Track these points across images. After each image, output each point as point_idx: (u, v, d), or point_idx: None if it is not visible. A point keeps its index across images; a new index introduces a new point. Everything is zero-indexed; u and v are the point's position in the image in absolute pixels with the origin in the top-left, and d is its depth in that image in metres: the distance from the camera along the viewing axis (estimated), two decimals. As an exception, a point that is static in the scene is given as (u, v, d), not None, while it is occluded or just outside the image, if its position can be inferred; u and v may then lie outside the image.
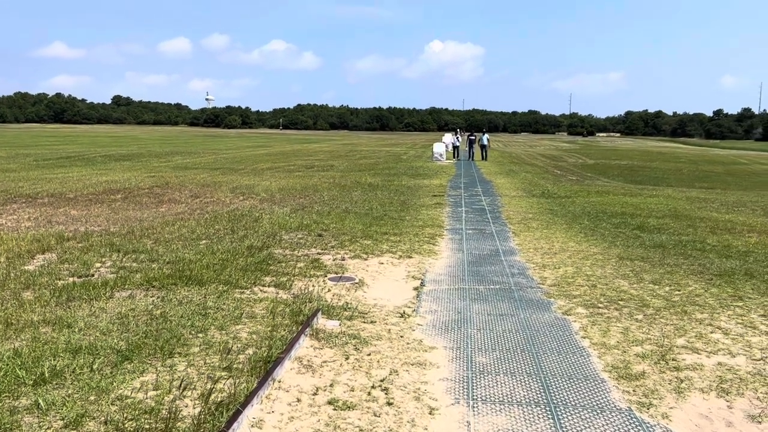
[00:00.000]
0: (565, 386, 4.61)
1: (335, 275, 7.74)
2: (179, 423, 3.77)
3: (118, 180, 19.93)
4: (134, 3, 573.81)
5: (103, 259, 8.14)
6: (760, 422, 4.13)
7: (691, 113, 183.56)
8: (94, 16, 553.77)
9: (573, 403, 4.34)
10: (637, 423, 4.07)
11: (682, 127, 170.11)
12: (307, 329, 5.48)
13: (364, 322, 5.98)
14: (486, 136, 39.58)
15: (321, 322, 5.84)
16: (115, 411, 3.87)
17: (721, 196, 20.11)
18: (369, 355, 5.13)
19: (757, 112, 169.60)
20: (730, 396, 4.50)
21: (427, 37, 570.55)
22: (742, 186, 28.97)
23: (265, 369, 4.57)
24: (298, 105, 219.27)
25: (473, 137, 39.87)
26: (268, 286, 7.07)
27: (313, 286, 7.16)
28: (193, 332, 5.35)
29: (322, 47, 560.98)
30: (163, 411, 3.89)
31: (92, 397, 4.04)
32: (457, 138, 39.60)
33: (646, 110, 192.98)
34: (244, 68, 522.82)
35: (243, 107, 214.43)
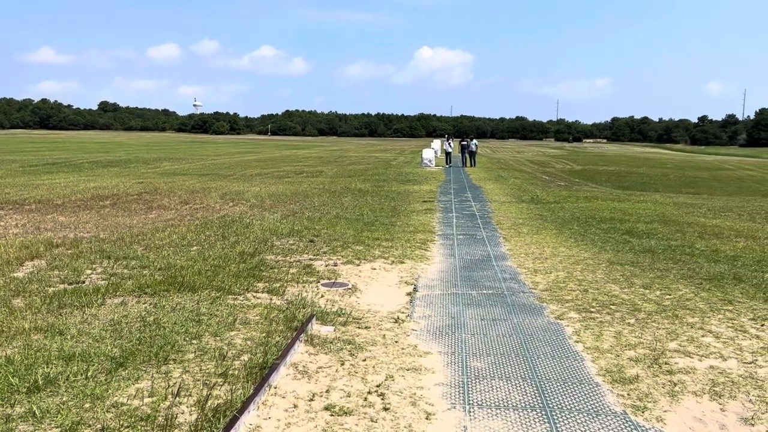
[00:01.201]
0: (560, 390, 4.64)
1: (328, 281, 7.74)
2: (176, 430, 3.76)
3: (107, 186, 19.81)
4: (124, 9, 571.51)
5: (94, 266, 8.08)
6: (753, 425, 4.17)
7: (676, 119, 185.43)
8: (82, 22, 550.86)
9: (568, 407, 4.37)
10: (632, 426, 4.10)
11: (667, 133, 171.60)
12: (302, 335, 5.47)
13: (359, 328, 5.98)
14: (474, 142, 39.65)
15: (315, 327, 5.83)
16: (110, 418, 3.85)
17: (707, 202, 20.31)
18: (364, 360, 5.13)
19: (741, 119, 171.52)
20: (723, 399, 4.55)
21: (416, 43, 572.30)
22: (728, 191, 29.29)
23: (261, 375, 4.56)
24: (287, 111, 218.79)
25: (465, 143, 39.74)
26: (261, 292, 7.06)
27: (306, 291, 7.15)
28: (187, 339, 5.32)
29: (311, 53, 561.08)
30: (160, 418, 3.87)
31: (87, 405, 4.01)
32: (449, 144, 39.49)
33: (633, 116, 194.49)
34: (234, 74, 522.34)
35: (231, 113, 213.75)
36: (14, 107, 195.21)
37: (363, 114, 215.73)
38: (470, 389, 4.63)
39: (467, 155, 38.44)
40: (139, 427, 3.76)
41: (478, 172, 32.91)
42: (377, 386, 4.61)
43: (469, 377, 4.86)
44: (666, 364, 5.17)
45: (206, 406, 4.06)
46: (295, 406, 4.22)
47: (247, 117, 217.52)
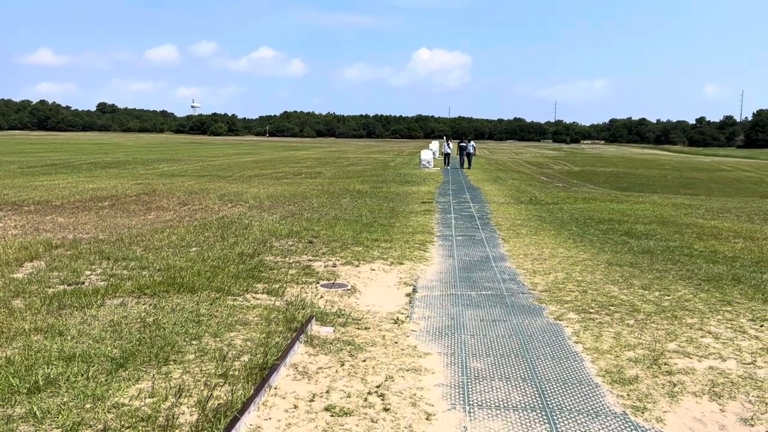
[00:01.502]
0: (560, 391, 4.65)
1: (327, 282, 7.75)
2: (177, 430, 3.76)
3: (105, 187, 19.79)
4: (122, 10, 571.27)
5: (93, 267, 8.08)
6: (752, 425, 4.18)
7: (674, 121, 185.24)
8: (80, 23, 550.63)
9: (568, 407, 4.37)
10: (632, 427, 4.11)
11: (665, 134, 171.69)
12: (302, 336, 5.47)
13: (358, 329, 5.99)
14: (472, 143, 39.57)
15: (315, 328, 5.84)
16: (111, 419, 3.85)
17: (705, 203, 20.35)
18: (364, 361, 5.13)
19: (738, 120, 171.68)
20: (723, 399, 4.56)
21: (414, 45, 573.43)
22: (726, 192, 29.34)
23: (261, 376, 4.56)
24: (285, 112, 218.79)
25: (463, 144, 39.63)
26: (261, 293, 7.06)
27: (305, 292, 7.16)
28: (187, 339, 5.33)
29: (310, 55, 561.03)
30: (161, 418, 3.87)
31: (88, 405, 4.01)
32: (448, 145, 39.39)
33: (630, 118, 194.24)
34: (232, 75, 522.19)
35: (229, 114, 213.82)
36: (12, 108, 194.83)
37: (361, 115, 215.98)
38: (470, 390, 4.64)
39: (464, 157, 38.42)
40: (140, 428, 3.76)
41: (476, 174, 32.94)
42: (377, 387, 4.61)
43: (468, 378, 4.87)
44: (665, 364, 5.18)
45: (207, 406, 4.06)
46: (296, 407, 4.23)
47: (245, 118, 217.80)
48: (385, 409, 4.25)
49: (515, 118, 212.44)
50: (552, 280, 8.16)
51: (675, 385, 4.78)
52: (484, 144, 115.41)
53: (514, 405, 4.39)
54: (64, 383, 4.30)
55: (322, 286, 7.56)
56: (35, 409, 3.90)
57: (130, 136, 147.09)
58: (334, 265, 8.67)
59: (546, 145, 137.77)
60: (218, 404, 4.10)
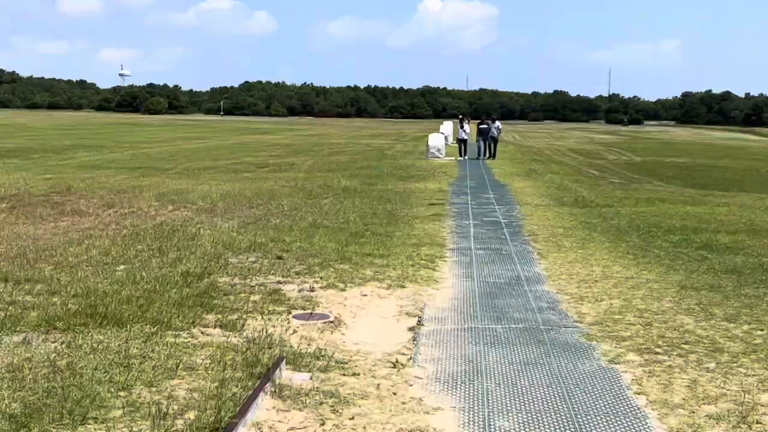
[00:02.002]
0: (616, 459, 4.65)
1: (303, 312, 7.76)
2: None
3: (2, 183, 19.80)
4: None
5: (-14, 292, 8.07)
6: None
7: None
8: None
9: (627, 481, 4.38)
10: (713, 508, 4.11)
11: (757, 113, 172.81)
12: (268, 385, 5.47)
13: (344, 375, 5.99)
14: (497, 124, 39.54)
15: (286, 374, 5.84)
16: (8, 498, 3.83)
17: (811, 205, 20.42)
18: (352, 419, 5.13)
19: None
20: (835, 470, 4.56)
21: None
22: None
23: (213, 439, 4.55)
24: (246, 83, 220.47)
25: (484, 126, 39.35)
26: (213, 326, 7.07)
27: (273, 326, 7.17)
28: (112, 390, 5.32)
29: (279, 5, 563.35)
30: (75, 497, 3.86)
31: (-23, 480, 3.99)
32: (464, 128, 39.24)
33: (710, 91, 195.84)
34: (174, 33, 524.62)
35: (171, 85, 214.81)
36: None
37: (348, 87, 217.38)
38: (495, 458, 4.64)
39: (488, 142, 38.39)
40: None
41: (502, 165, 33.06)
42: (370, 454, 4.61)
43: (493, 442, 4.87)
44: (758, 423, 5.19)
45: (138, 481, 4.04)
46: (259, 482, 4.22)
47: (192, 91, 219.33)
48: (380, 485, 4.24)
49: (555, 92, 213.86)
50: (605, 308, 8.19)
51: (771, 451, 4.79)
52: (513, 126, 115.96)
53: (555, 478, 4.39)
54: (-55, 450, 4.28)
55: (295, 317, 7.57)
56: None
57: (37, 113, 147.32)
58: (312, 289, 8.69)
59: (597, 128, 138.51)
60: (154, 478, 4.08)
